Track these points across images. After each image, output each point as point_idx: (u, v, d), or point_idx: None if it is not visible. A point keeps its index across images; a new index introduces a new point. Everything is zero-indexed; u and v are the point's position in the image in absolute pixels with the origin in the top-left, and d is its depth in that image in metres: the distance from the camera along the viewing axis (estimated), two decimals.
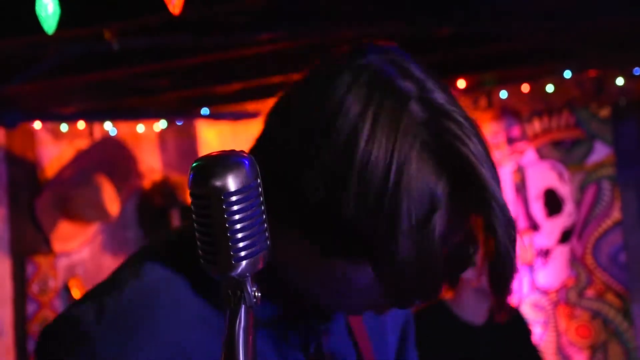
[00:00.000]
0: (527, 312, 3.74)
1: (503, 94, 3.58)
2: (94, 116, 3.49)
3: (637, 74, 3.24)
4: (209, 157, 0.69)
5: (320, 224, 0.79)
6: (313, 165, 0.78)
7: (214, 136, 4.11)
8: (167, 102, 3.60)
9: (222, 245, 0.68)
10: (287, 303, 0.90)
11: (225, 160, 0.68)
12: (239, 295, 0.70)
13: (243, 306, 0.70)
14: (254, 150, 0.87)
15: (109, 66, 2.57)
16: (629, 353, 3.55)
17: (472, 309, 2.37)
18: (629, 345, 3.56)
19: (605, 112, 3.62)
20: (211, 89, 3.35)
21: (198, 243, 0.69)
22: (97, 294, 0.87)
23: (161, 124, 3.83)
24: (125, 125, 3.74)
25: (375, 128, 0.75)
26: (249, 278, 0.70)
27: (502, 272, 0.81)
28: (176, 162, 3.97)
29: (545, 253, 3.74)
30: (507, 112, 3.83)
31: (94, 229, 3.61)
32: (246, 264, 0.69)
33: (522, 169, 3.81)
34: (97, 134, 3.69)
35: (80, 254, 3.60)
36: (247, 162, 0.69)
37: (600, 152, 3.63)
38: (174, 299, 0.87)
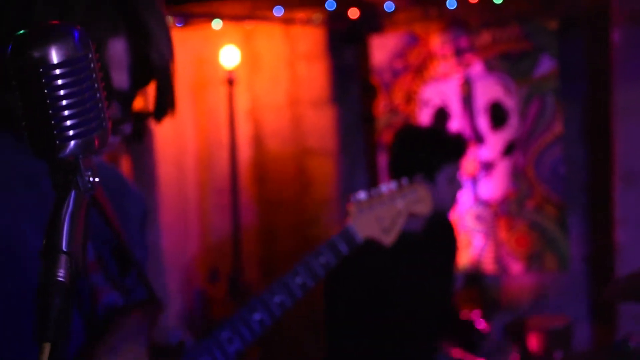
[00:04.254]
0: (470, 223, 3.81)
1: (451, 4, 3.52)
2: None
3: None
4: (33, 26, 0.63)
5: None
6: None
7: None
8: None
9: (46, 125, 0.62)
10: None
11: (49, 30, 0.62)
12: (70, 179, 0.65)
13: (73, 191, 0.66)
14: None
15: None
16: (563, 261, 3.67)
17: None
18: (564, 254, 3.66)
19: (553, 25, 3.59)
20: None
21: (22, 122, 0.64)
22: None
23: None
24: None
25: None
26: (82, 160, 0.65)
27: (162, 87, 1.03)
28: None
29: (488, 166, 3.78)
30: (456, 23, 3.79)
31: None
32: (75, 145, 0.64)
33: (469, 82, 3.80)
34: None
35: None
36: (75, 33, 0.62)
37: (546, 65, 3.62)
38: None
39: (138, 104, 1.07)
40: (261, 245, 4.34)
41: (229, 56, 3.84)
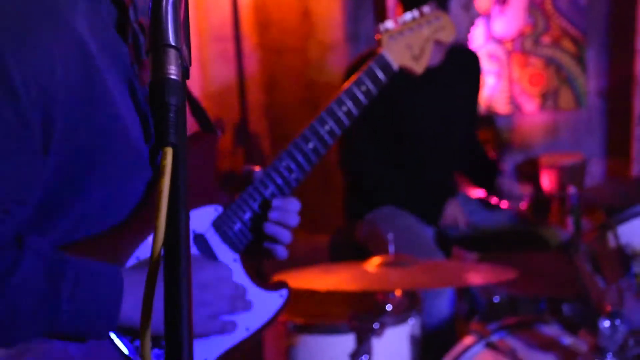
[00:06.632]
0: (483, 63, 3.69)
1: None
2: None
3: None
4: None
5: None
6: None
7: None
8: None
9: None
10: None
11: None
12: None
13: None
14: None
15: None
16: (579, 98, 3.58)
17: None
18: (580, 91, 3.57)
19: None
20: None
21: None
22: None
23: None
24: None
25: None
26: None
27: None
28: None
29: (503, 1, 3.61)
30: None
31: None
32: None
33: None
34: None
35: None
36: None
37: None
38: None
39: None
40: (266, 93, 4.23)
41: None
